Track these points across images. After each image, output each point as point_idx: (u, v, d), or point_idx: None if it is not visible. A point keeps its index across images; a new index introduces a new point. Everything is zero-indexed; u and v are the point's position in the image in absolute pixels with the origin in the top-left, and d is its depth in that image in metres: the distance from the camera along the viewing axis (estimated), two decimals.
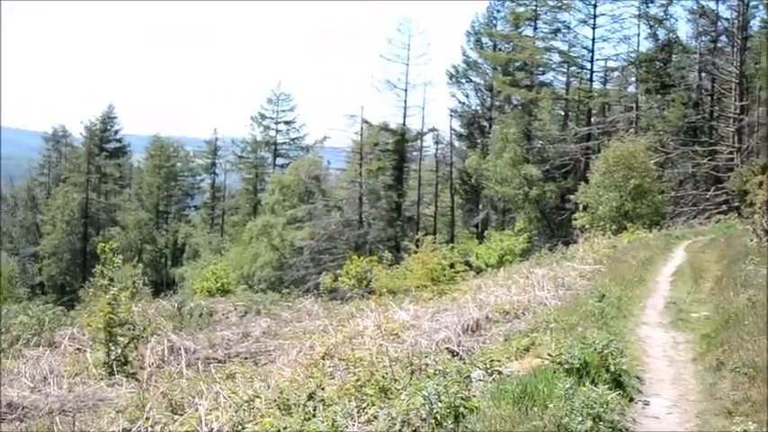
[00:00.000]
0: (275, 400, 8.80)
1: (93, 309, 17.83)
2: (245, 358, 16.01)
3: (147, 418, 9.46)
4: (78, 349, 16.98)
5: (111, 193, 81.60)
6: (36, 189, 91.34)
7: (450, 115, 65.18)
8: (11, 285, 58.12)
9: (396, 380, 9.16)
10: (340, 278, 40.35)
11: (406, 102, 60.07)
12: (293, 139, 79.88)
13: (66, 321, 19.92)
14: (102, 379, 14.84)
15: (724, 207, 45.32)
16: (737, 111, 49.79)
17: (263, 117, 78.51)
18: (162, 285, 62.75)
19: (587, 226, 39.01)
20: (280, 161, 78.67)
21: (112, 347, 15.51)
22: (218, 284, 40.79)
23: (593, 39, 55.73)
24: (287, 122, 79.07)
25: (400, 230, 58.77)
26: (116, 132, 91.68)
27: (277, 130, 79.08)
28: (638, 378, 10.16)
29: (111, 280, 16.82)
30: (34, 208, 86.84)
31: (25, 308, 22.74)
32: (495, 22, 65.95)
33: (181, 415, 9.39)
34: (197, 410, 9.22)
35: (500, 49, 63.79)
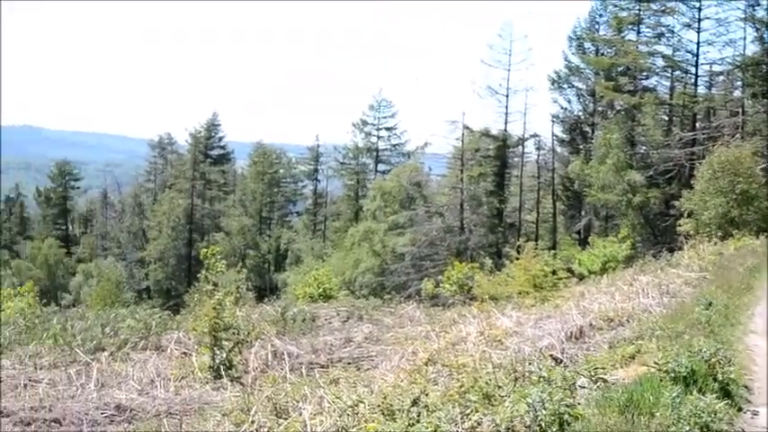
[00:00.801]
0: (379, 406, 8.80)
1: (199, 313, 18.09)
2: (348, 363, 16.07)
3: (253, 422, 9.55)
4: (184, 353, 17.24)
5: (215, 200, 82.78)
6: (143, 195, 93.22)
7: (552, 121, 64.41)
8: (118, 290, 59.44)
9: (499, 386, 9.10)
10: (441, 284, 40.27)
11: (507, 107, 59.74)
12: (394, 146, 79.97)
13: (172, 325, 20.22)
14: (207, 382, 15.05)
15: None
16: None
17: (365, 123, 78.78)
18: (265, 291, 63.43)
19: (692, 233, 38.22)
20: (381, 167, 78.80)
21: (217, 351, 15.72)
22: (321, 290, 41.08)
23: (698, 43, 54.46)
24: (388, 129, 79.21)
25: (501, 237, 58.38)
26: (220, 139, 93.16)
27: (378, 137, 79.24)
28: (746, 387, 9.90)
29: (216, 285, 17.04)
30: (141, 214, 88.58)
31: (132, 312, 23.19)
32: (597, 26, 65.00)
33: (285, 419, 9.45)
34: (301, 414, 9.28)
35: (602, 54, 62.90)
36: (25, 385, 15.09)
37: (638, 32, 59.64)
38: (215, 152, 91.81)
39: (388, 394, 9.30)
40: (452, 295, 36.50)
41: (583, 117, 65.94)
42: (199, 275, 18.26)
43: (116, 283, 60.37)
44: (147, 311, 23.24)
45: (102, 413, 12.69)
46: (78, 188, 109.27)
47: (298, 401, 10.04)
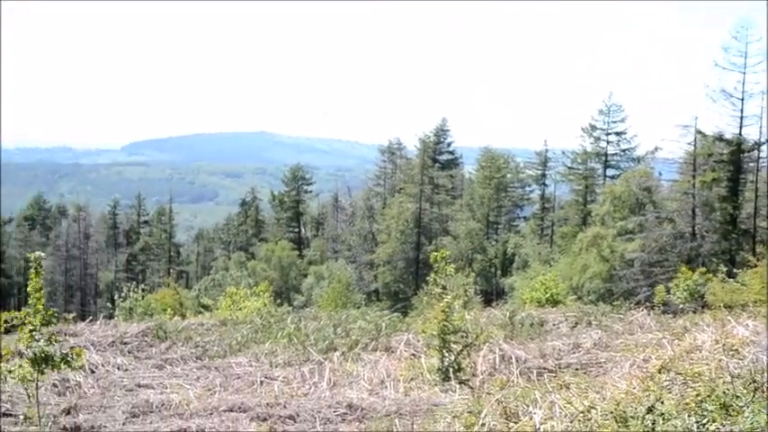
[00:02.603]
0: (611, 412, 8.65)
1: (428, 316, 18.24)
2: (576, 369, 15.84)
3: (483, 424, 9.56)
4: (413, 355, 17.41)
5: (443, 204, 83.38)
6: (373, 199, 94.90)
7: None
8: (348, 291, 60.72)
9: (737, 396, 8.78)
10: (671, 291, 39.20)
11: (742, 111, 57.51)
12: (624, 150, 78.52)
13: (401, 327, 20.48)
14: (435, 384, 15.16)
15: None
16: None
17: (594, 128, 77.74)
18: (491, 295, 63.49)
19: None
20: (610, 172, 77.52)
21: (446, 354, 15.80)
22: (548, 295, 40.69)
23: None
24: (618, 133, 77.85)
25: (735, 243, 56.30)
26: (449, 144, 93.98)
27: (608, 141, 78.00)
28: None
29: (444, 288, 17.13)
30: (371, 217, 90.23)
31: (363, 313, 23.64)
32: None
33: (515, 422, 9.42)
34: (531, 419, 9.23)
35: None
36: (261, 382, 15.64)
37: None
38: (443, 157, 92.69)
39: (620, 401, 9.13)
40: (683, 303, 35.44)
41: None
42: (427, 278, 18.41)
43: (346, 285, 61.67)
44: (377, 313, 23.65)
45: (334, 411, 12.99)
46: (310, 192, 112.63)
47: (528, 405, 9.98)
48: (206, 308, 39.03)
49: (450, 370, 15.58)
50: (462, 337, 16.18)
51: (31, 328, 12.33)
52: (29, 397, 14.14)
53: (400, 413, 12.47)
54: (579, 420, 8.74)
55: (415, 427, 11.05)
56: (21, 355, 12.48)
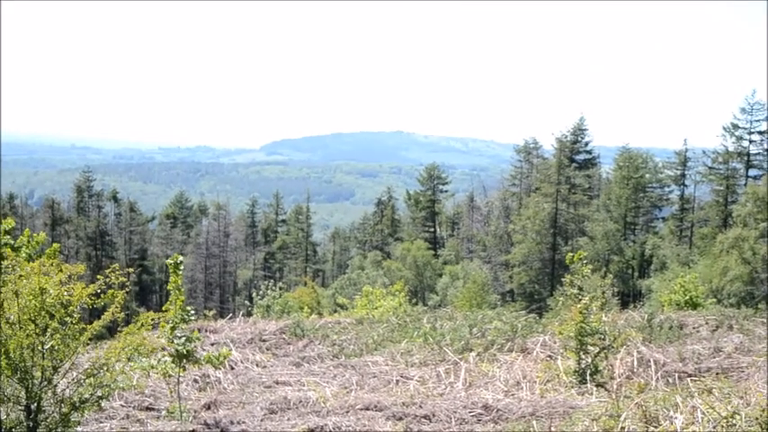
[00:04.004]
0: (756, 419, 8.46)
1: (564, 317, 18.09)
2: (717, 374, 15.51)
3: (622, 428, 9.46)
4: (549, 356, 17.29)
5: (579, 204, 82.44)
6: (508, 199, 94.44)
7: None
8: (483, 292, 60.62)
9: None
10: None
11: None
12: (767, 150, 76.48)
13: (537, 328, 20.32)
14: (572, 387, 15.03)
15: None
16: None
17: (736, 127, 75.84)
18: (628, 297, 62.52)
19: None
20: (752, 172, 75.41)
21: (583, 356, 15.65)
22: (687, 297, 39.87)
23: None
24: (761, 132, 75.78)
25: None
26: (586, 144, 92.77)
27: (750, 141, 76.03)
28: None
29: (581, 289, 16.96)
30: (506, 217, 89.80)
31: (499, 314, 23.54)
32: None
33: (655, 427, 9.29)
34: (672, 423, 9.09)
35: None
36: (397, 381, 15.75)
37: None
38: (580, 157, 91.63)
39: (766, 407, 8.91)
40: None
41: None
42: (562, 280, 18.23)
43: (481, 286, 61.57)
44: (513, 314, 23.51)
45: (469, 412, 12.99)
46: (446, 191, 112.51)
47: (668, 410, 9.83)
48: (342, 306, 39.44)
49: (587, 372, 15.43)
50: (600, 339, 16.00)
51: (172, 325, 12.71)
52: (170, 392, 14.55)
53: (536, 415, 12.41)
54: (722, 426, 8.57)
55: (552, 429, 10.99)
56: (164, 350, 12.85)
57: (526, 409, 12.86)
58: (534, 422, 11.56)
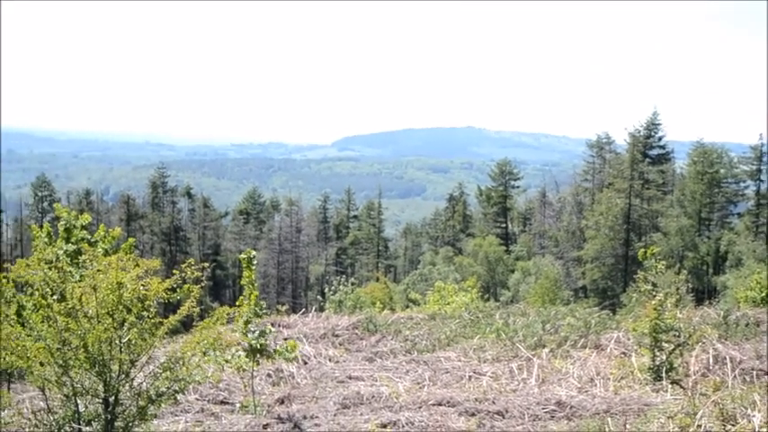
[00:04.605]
0: None
1: (639, 313, 17.92)
2: None
3: (699, 426, 9.37)
4: (623, 353, 17.13)
5: (653, 200, 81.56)
6: (581, 195, 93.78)
7: None
8: (556, 288, 60.30)
9: None
10: None
11: None
12: None
13: (610, 325, 20.13)
14: (646, 384, 14.88)
15: None
16: None
17: None
18: (703, 293, 61.69)
19: None
20: None
21: (657, 353, 15.49)
22: (763, 294, 39.27)
23: None
24: None
25: None
26: (660, 139, 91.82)
27: None
28: None
29: (655, 285, 16.79)
30: (579, 213, 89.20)
31: (572, 310, 23.37)
32: None
33: (733, 425, 9.19)
34: (750, 422, 8.99)
35: None
36: (470, 377, 15.72)
37: None
38: (654, 152, 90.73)
39: None
40: None
41: None
42: (635, 276, 18.06)
43: (554, 282, 61.24)
44: (586, 310, 23.33)
45: (543, 408, 12.93)
46: (518, 187, 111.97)
47: (746, 408, 9.71)
48: (414, 302, 39.43)
49: (662, 369, 15.27)
50: (674, 336, 15.83)
51: (246, 319, 12.85)
52: (244, 386, 14.72)
53: (610, 412, 12.32)
54: None
55: (627, 426, 10.92)
56: (238, 344, 13.00)
57: (600, 406, 12.77)
58: (609, 419, 11.49)
